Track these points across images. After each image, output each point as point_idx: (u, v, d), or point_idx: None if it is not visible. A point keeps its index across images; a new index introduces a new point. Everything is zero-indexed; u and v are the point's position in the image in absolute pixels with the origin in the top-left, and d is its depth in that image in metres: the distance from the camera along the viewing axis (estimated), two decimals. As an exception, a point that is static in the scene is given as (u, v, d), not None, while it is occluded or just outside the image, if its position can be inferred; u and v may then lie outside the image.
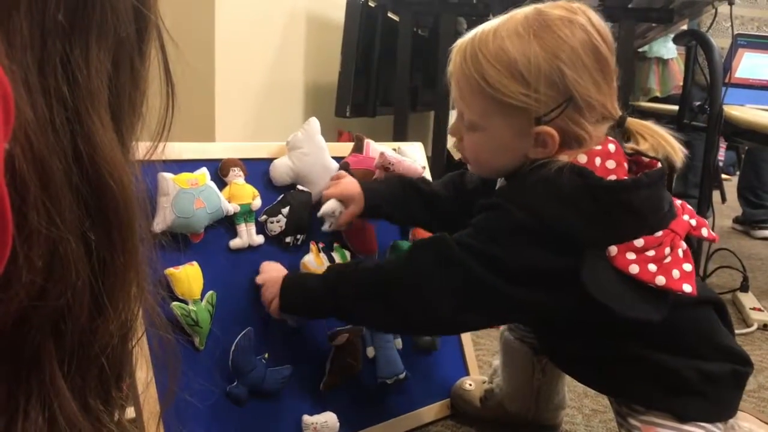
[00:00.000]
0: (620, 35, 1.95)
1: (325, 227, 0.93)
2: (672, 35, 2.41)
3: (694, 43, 2.07)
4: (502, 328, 1.05)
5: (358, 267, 0.83)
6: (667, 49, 2.81)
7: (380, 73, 2.04)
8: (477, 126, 0.79)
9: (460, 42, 0.80)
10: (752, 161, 2.87)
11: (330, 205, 0.91)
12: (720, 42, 2.26)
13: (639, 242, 0.72)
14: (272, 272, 0.88)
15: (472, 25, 2.61)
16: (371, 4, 1.95)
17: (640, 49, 2.97)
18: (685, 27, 2.25)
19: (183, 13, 1.51)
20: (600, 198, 0.72)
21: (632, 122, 0.79)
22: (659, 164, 0.77)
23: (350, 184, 0.93)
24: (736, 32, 2.10)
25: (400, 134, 1.92)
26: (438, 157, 1.98)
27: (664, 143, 0.77)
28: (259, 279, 0.88)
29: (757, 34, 2.46)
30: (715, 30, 2.11)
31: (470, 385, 1.09)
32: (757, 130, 1.96)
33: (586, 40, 0.74)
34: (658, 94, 2.79)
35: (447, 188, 0.99)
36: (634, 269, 0.71)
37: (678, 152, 0.77)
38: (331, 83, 1.91)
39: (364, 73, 1.96)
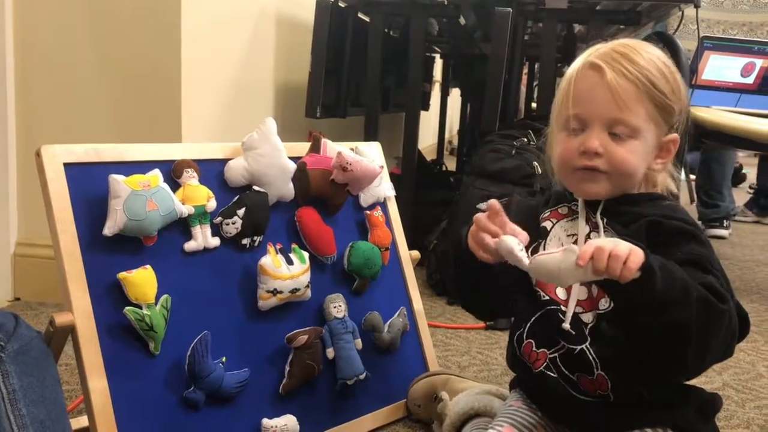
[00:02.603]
0: (588, 37, 1.97)
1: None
2: (640, 38, 2.44)
3: (662, 45, 2.10)
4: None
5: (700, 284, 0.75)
6: None
7: (351, 73, 2.04)
8: (639, 132, 0.80)
9: (599, 55, 0.81)
10: (705, 162, 2.94)
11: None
12: (686, 44, 2.29)
13: None
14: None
15: (443, 27, 2.62)
16: (341, 4, 1.94)
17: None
18: (649, 30, 2.27)
19: (148, 10, 1.49)
20: None
21: None
22: None
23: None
24: (702, 35, 2.13)
25: (371, 135, 1.92)
26: (409, 158, 1.99)
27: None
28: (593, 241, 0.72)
29: (722, 36, 2.49)
30: (681, 33, 2.13)
31: (419, 407, 1.07)
32: (723, 131, 1.99)
33: None
34: None
35: None
36: None
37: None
38: (302, 84, 1.90)
39: (334, 74, 1.96)
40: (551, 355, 0.83)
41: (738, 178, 4.31)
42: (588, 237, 0.83)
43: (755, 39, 2.51)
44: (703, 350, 0.75)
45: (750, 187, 3.98)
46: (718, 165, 2.93)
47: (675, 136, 0.83)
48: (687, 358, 0.75)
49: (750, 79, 2.26)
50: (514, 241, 0.74)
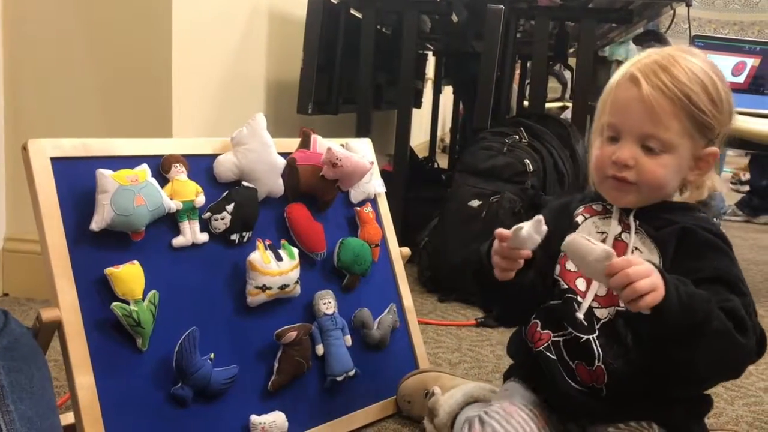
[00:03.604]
0: (581, 35, 1.97)
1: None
2: (631, 37, 2.45)
3: (653, 43, 2.10)
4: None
5: (720, 305, 0.75)
6: (627, 51, 2.85)
7: (343, 70, 2.03)
8: (672, 147, 0.80)
9: (640, 66, 0.81)
10: None
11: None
12: (678, 43, 2.30)
13: None
14: (639, 259, 0.74)
15: (435, 24, 2.62)
16: (333, 0, 1.94)
17: (601, 53, 3.01)
18: (642, 29, 2.28)
19: (138, 4, 1.48)
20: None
21: None
22: None
23: None
24: (693, 33, 2.13)
25: (363, 132, 1.92)
26: (401, 155, 1.99)
27: None
28: (631, 260, 0.71)
29: (713, 35, 2.50)
30: (673, 31, 2.14)
31: (409, 403, 1.07)
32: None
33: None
34: None
35: None
36: None
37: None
38: (294, 80, 1.90)
39: (326, 70, 1.96)
40: (555, 338, 0.85)
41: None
42: (618, 237, 0.84)
43: (746, 38, 2.52)
44: (712, 377, 0.78)
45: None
46: None
47: (714, 149, 0.82)
48: (693, 378, 0.78)
49: (741, 79, 2.27)
50: (529, 225, 0.77)
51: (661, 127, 0.79)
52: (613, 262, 0.69)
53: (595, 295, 0.83)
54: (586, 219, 0.88)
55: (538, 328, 0.86)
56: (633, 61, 0.83)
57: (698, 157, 0.82)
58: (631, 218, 0.83)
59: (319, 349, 1.00)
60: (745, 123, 1.97)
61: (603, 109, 0.84)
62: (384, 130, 2.88)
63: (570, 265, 0.85)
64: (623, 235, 0.83)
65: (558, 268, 0.87)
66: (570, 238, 0.73)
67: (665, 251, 0.81)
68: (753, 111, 2.05)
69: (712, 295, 0.74)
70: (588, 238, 0.73)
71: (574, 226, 0.87)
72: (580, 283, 0.84)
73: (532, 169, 1.69)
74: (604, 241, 0.83)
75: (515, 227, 0.78)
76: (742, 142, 2.04)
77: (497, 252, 0.81)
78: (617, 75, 0.84)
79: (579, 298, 0.83)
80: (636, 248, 0.82)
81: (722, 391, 1.28)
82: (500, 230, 0.80)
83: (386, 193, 1.19)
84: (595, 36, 2.17)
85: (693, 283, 0.74)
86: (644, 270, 0.69)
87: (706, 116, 0.79)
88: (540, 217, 0.78)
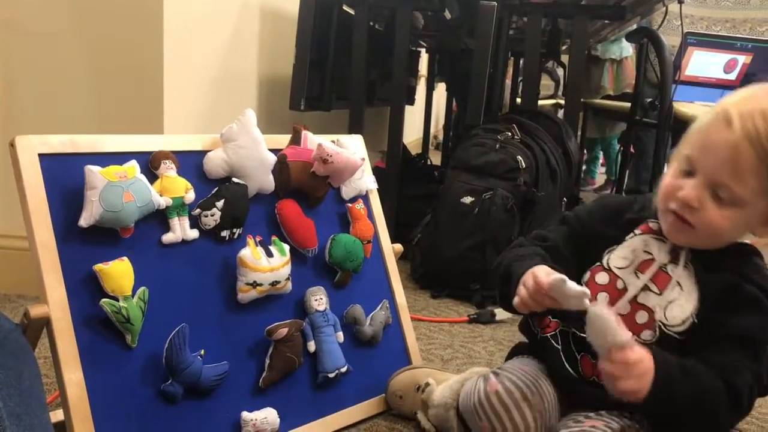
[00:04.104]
0: (573, 32, 1.97)
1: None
2: (624, 35, 2.45)
3: (646, 40, 2.11)
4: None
5: (697, 374, 0.75)
6: (620, 48, 2.85)
7: (336, 66, 2.03)
8: (744, 202, 0.74)
9: (742, 107, 0.74)
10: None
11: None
12: (670, 40, 2.31)
13: None
14: (645, 354, 0.74)
15: (427, 20, 2.61)
16: (326, -4, 1.93)
17: (594, 53, 3.02)
18: (635, 26, 2.29)
19: (130, 1, 1.47)
20: None
21: None
22: None
23: None
24: (685, 31, 2.14)
25: (355, 129, 1.91)
26: (394, 152, 1.98)
27: None
28: (631, 355, 0.71)
29: (706, 32, 2.51)
30: (665, 28, 2.14)
31: (401, 398, 1.05)
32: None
33: None
34: (611, 92, 2.84)
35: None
36: None
37: None
38: (286, 76, 1.89)
39: (319, 67, 1.95)
40: (563, 329, 0.85)
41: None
42: (663, 267, 0.81)
43: (738, 35, 2.53)
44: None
45: None
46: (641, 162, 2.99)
47: None
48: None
49: (733, 75, 2.28)
50: (571, 285, 0.73)
51: (736, 181, 0.73)
52: (615, 357, 0.70)
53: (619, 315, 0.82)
54: (636, 235, 0.85)
55: (549, 315, 0.86)
56: (734, 98, 0.76)
57: None
58: (683, 255, 0.80)
59: (311, 346, 0.99)
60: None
61: (688, 138, 0.79)
62: (377, 126, 2.87)
63: (600, 279, 0.84)
64: (669, 267, 0.81)
65: (588, 275, 0.85)
66: (601, 312, 0.71)
67: (705, 298, 0.78)
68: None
69: (726, 356, 0.74)
70: (618, 321, 0.71)
71: (622, 238, 0.85)
72: (601, 299, 0.83)
73: (524, 166, 1.69)
74: (647, 264, 0.82)
75: (559, 278, 0.74)
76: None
77: (529, 291, 0.77)
78: (715, 108, 0.76)
79: None
80: (678, 283, 0.80)
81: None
82: (540, 278, 0.76)
83: (379, 190, 1.19)
84: (588, 33, 2.17)
85: (714, 339, 0.75)
86: (637, 374, 0.70)
87: None
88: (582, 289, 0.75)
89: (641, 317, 0.81)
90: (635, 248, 0.83)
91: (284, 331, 0.95)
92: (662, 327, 0.80)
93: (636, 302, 0.82)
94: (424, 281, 1.79)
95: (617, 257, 0.84)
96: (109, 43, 1.50)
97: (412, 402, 1.04)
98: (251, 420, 0.91)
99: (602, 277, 0.84)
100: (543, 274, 0.76)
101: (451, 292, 1.72)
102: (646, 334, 0.80)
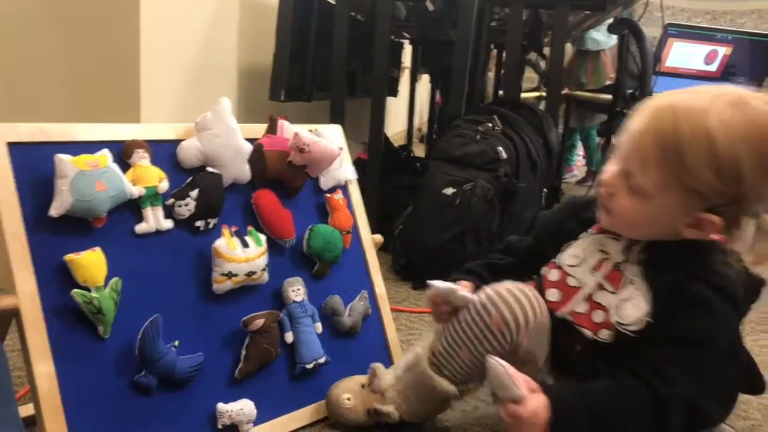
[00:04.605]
0: (554, 23, 1.97)
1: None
2: (605, 26, 2.46)
3: (627, 31, 2.12)
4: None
5: (610, 401, 0.75)
6: (594, 41, 2.85)
7: (317, 57, 2.01)
8: (646, 194, 0.75)
9: (660, 104, 0.74)
10: None
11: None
12: (651, 31, 2.31)
13: None
14: (540, 407, 0.74)
15: (409, 11, 2.59)
16: (306, -14, 1.91)
17: (581, 48, 3.02)
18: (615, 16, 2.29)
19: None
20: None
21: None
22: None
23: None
24: (666, 22, 2.15)
25: (337, 119, 1.90)
26: (376, 144, 1.97)
27: None
28: (523, 411, 0.73)
29: (687, 24, 2.53)
30: (646, 19, 2.15)
31: (349, 400, 0.96)
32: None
33: None
34: (591, 86, 2.85)
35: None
36: None
37: None
38: (266, 66, 1.87)
39: (299, 57, 1.93)
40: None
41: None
42: (618, 266, 0.81)
43: (718, 27, 2.55)
44: None
45: None
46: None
47: (713, 218, 0.73)
48: None
49: (713, 67, 2.30)
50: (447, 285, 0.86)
51: (642, 172, 0.74)
52: (509, 410, 0.74)
53: (575, 312, 0.83)
54: (589, 234, 0.85)
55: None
56: (665, 97, 0.75)
57: (694, 218, 0.74)
58: (635, 252, 0.80)
59: (288, 337, 0.99)
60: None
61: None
62: (359, 117, 2.86)
63: (551, 276, 0.86)
64: (622, 265, 0.80)
65: (545, 269, 0.87)
66: (497, 366, 0.74)
67: (656, 301, 0.77)
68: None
69: (666, 362, 0.73)
70: (513, 376, 0.74)
71: (576, 234, 0.86)
72: (551, 295, 0.85)
73: (505, 157, 1.69)
74: (601, 263, 0.82)
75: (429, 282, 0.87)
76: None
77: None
78: (650, 103, 0.76)
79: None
80: (632, 281, 0.79)
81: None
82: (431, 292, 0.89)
83: (361, 181, 1.18)
84: (569, 24, 2.17)
85: (658, 341, 0.74)
86: (530, 425, 0.73)
87: (697, 184, 0.71)
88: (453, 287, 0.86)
89: (598, 316, 0.81)
90: (586, 247, 0.84)
91: (260, 322, 0.94)
92: (618, 326, 0.79)
93: (593, 301, 0.82)
94: (405, 272, 1.79)
95: (569, 255, 0.85)
96: (83, 28, 1.47)
97: (363, 400, 0.96)
98: (227, 411, 0.90)
99: (553, 274, 0.85)
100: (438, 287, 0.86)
101: (432, 283, 1.72)
102: (604, 334, 0.80)
